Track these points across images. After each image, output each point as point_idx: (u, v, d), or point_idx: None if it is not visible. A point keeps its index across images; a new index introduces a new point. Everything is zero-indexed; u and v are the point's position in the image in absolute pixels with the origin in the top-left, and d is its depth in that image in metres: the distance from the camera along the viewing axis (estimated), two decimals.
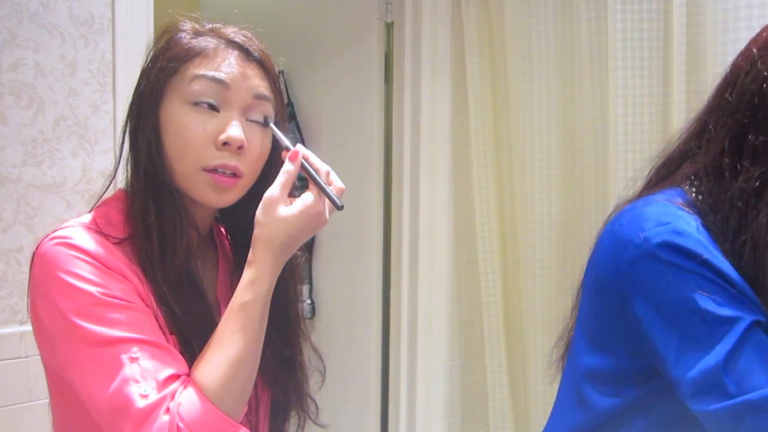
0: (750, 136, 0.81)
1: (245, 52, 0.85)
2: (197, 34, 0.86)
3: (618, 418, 0.87)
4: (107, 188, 0.92)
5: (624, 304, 0.83)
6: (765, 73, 0.82)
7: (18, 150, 1.39)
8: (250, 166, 0.85)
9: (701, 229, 0.80)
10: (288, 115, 2.51)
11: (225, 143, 0.81)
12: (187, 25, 0.87)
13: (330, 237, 2.49)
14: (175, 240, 0.83)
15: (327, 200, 0.82)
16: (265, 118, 0.85)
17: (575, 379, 0.92)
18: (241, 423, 0.77)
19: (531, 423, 2.17)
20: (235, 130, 0.81)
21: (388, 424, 2.37)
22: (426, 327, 2.27)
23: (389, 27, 2.32)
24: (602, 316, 0.88)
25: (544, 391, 2.08)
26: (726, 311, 0.74)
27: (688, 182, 0.87)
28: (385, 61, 2.32)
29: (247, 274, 0.79)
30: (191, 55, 0.83)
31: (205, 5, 2.83)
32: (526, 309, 2.13)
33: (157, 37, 0.88)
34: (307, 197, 0.81)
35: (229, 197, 0.85)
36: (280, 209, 0.80)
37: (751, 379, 0.72)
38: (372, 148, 2.33)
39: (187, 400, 0.73)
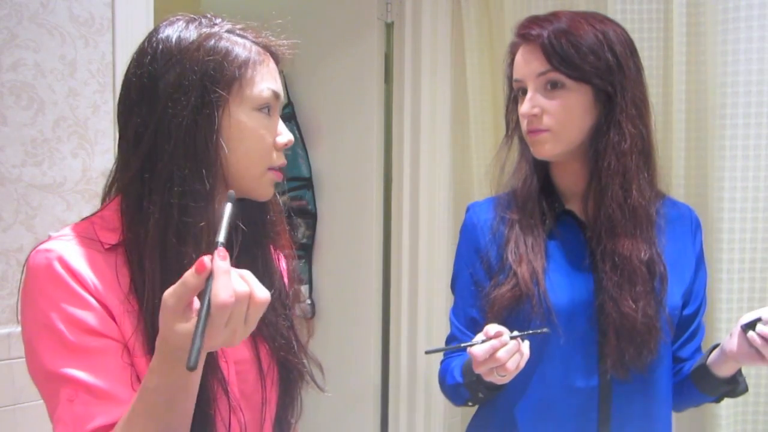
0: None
1: (275, 57, 0.92)
2: (229, 36, 0.87)
3: None
4: (111, 190, 0.89)
5: None
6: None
7: (18, 150, 1.39)
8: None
9: None
10: (288, 115, 2.51)
11: (285, 145, 0.90)
12: (214, 30, 0.86)
13: (330, 237, 2.49)
14: (189, 247, 0.81)
15: (243, 327, 0.68)
16: (230, 194, 0.75)
17: None
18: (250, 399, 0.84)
19: None
20: (288, 132, 0.91)
21: (388, 424, 2.37)
22: (426, 327, 2.27)
23: (389, 27, 2.32)
24: None
25: None
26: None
27: None
28: (385, 61, 2.32)
29: (153, 361, 0.72)
30: (249, 63, 0.86)
31: (205, 5, 2.83)
32: None
33: (196, 39, 0.84)
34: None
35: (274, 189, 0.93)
36: (172, 319, 0.67)
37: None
38: (372, 148, 2.33)
39: None
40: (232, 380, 0.91)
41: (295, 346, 0.97)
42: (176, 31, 0.84)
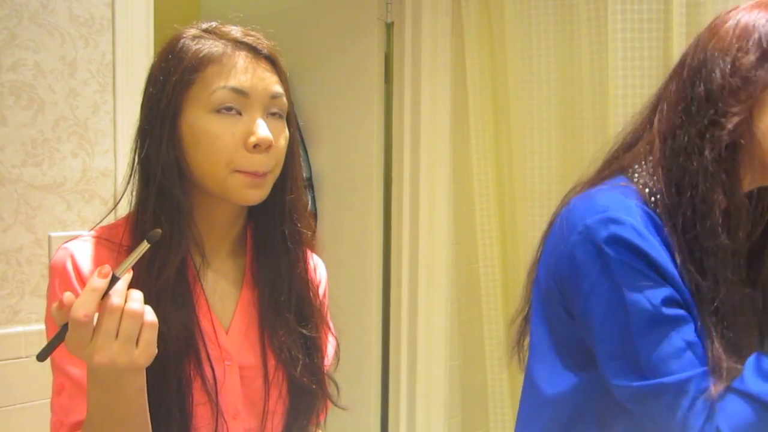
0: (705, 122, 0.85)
1: (254, 50, 0.86)
2: (200, 37, 0.86)
3: (572, 403, 0.90)
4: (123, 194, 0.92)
5: (566, 292, 0.88)
6: (719, 63, 0.86)
7: (18, 150, 1.39)
8: (277, 161, 0.88)
9: (640, 212, 0.83)
10: None
11: (256, 145, 0.83)
12: (189, 32, 0.87)
13: (330, 236, 2.49)
14: (168, 254, 0.84)
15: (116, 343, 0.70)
16: (153, 233, 0.77)
17: (530, 369, 0.97)
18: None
19: None
20: (263, 131, 0.84)
21: (388, 424, 2.37)
22: (426, 327, 2.27)
23: (389, 27, 2.32)
24: (550, 302, 0.92)
25: None
26: (649, 299, 0.80)
27: (630, 169, 0.91)
28: (385, 61, 2.32)
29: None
30: (204, 63, 0.83)
31: (205, 5, 2.83)
32: None
33: (160, 52, 0.88)
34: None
35: (264, 192, 0.87)
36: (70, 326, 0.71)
37: (666, 365, 0.79)
38: (372, 148, 2.33)
39: None
40: (233, 383, 0.90)
41: (303, 363, 0.93)
42: (170, 40, 0.88)
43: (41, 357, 0.71)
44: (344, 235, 2.43)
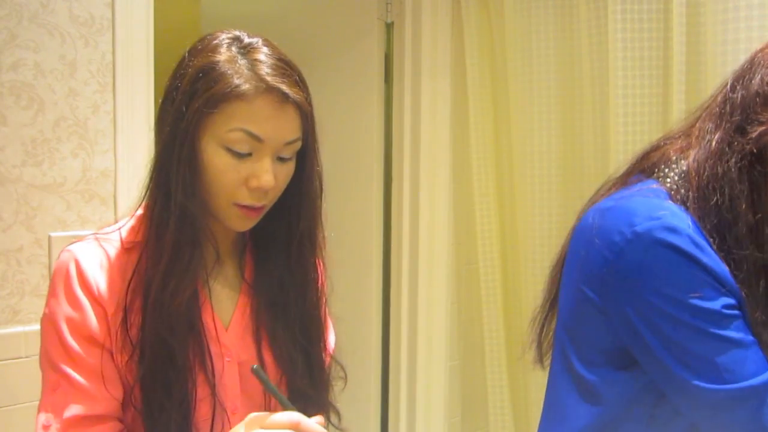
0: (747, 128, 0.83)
1: (283, 96, 0.85)
2: (235, 62, 0.84)
3: (627, 406, 0.87)
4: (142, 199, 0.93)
5: (608, 297, 0.84)
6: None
7: (18, 150, 1.39)
8: (274, 197, 0.90)
9: (689, 221, 0.81)
10: None
11: (256, 188, 0.86)
12: (223, 50, 0.86)
13: (330, 237, 2.49)
14: (184, 277, 0.86)
15: None
16: (253, 368, 0.82)
17: (572, 375, 0.92)
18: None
19: (531, 423, 2.17)
20: (267, 178, 0.85)
21: (388, 424, 2.37)
22: (426, 327, 2.27)
23: (389, 27, 2.32)
24: (583, 310, 0.89)
25: (544, 391, 2.08)
26: (712, 306, 0.78)
27: (658, 171, 0.89)
28: (385, 61, 2.32)
29: None
30: (231, 98, 0.83)
31: (206, 5, 2.83)
32: (527, 309, 2.13)
33: (191, 58, 0.86)
34: None
35: (254, 222, 0.91)
36: None
37: (743, 367, 0.78)
38: (372, 148, 2.33)
39: None
40: (232, 380, 0.91)
41: (302, 370, 0.94)
42: (197, 47, 0.87)
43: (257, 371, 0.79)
44: (344, 235, 2.43)
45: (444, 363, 2.30)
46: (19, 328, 1.39)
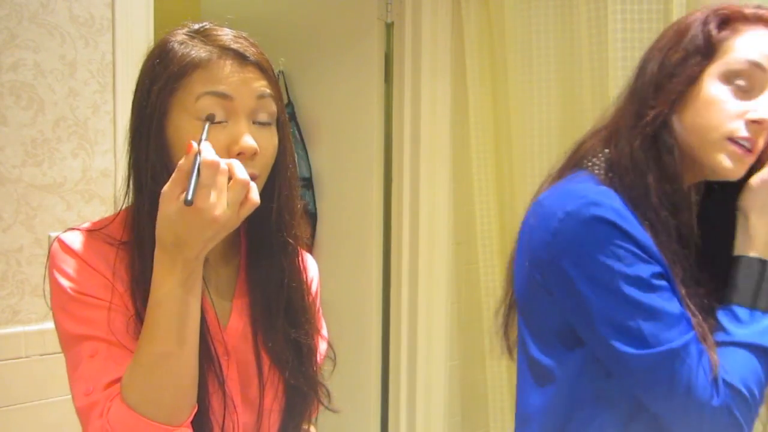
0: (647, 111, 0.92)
1: (241, 56, 0.84)
2: (187, 42, 0.85)
3: (576, 384, 0.94)
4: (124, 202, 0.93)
5: (551, 276, 0.92)
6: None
7: (18, 150, 1.39)
8: (264, 167, 0.86)
9: (616, 198, 0.89)
10: (288, 116, 2.51)
11: (240, 153, 0.82)
12: (178, 35, 0.86)
13: (330, 237, 2.49)
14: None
15: (226, 198, 0.75)
16: (208, 116, 0.82)
17: (529, 361, 0.99)
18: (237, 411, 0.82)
19: None
20: (247, 140, 0.82)
21: (388, 424, 2.38)
22: (426, 327, 2.27)
23: (389, 27, 2.32)
24: (534, 294, 0.96)
25: None
26: (639, 273, 0.86)
27: (587, 162, 0.98)
28: (385, 61, 2.32)
29: (155, 272, 0.78)
30: (189, 69, 0.82)
31: (206, 5, 2.83)
32: None
33: (148, 56, 0.88)
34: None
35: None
36: (165, 206, 0.75)
37: (666, 332, 0.85)
38: (372, 148, 2.33)
39: (116, 406, 0.77)
40: (233, 378, 0.91)
41: (295, 366, 0.94)
42: (153, 46, 0.88)
43: (190, 202, 0.71)
44: (344, 235, 2.43)
45: (444, 363, 2.30)
46: (19, 328, 1.39)
